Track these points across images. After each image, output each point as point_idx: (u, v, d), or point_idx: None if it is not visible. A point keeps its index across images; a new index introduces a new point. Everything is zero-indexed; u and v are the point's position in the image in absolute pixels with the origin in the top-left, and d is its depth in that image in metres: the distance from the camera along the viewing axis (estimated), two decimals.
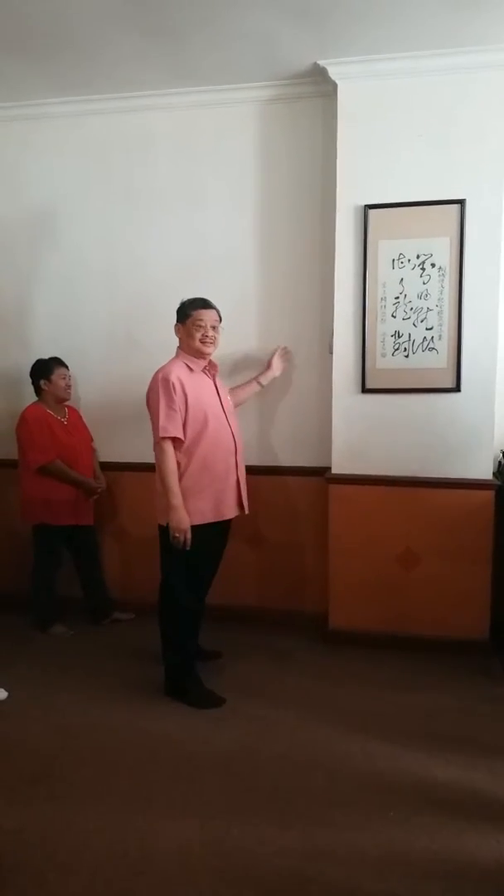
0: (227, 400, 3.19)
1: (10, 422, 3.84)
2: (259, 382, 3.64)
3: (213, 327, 3.05)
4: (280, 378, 3.75)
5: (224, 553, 3.26)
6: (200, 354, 3.05)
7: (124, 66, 3.38)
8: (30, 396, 3.85)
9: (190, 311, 3.03)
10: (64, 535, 3.85)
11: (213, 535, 3.07)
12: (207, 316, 3.03)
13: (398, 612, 3.59)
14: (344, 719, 2.94)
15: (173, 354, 3.11)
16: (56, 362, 3.81)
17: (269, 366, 3.67)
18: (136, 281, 3.89)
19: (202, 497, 3.00)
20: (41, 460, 3.67)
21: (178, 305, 3.09)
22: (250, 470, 3.37)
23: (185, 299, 3.09)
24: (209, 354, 3.09)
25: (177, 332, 3.09)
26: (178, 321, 3.07)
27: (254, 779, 2.55)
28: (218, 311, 3.09)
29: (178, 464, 2.95)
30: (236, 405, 3.41)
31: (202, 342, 3.02)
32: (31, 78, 3.52)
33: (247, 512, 3.21)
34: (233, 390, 3.47)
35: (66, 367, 3.83)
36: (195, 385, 3.01)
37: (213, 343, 3.06)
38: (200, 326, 3.01)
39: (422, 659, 3.45)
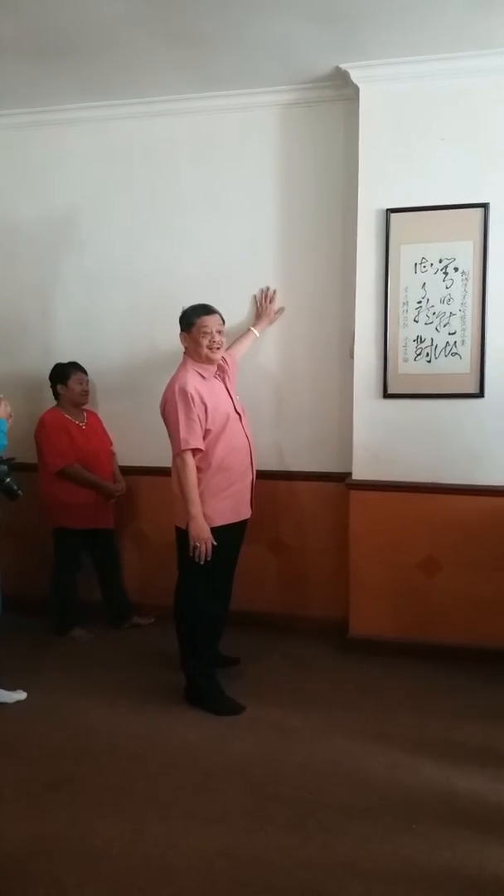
0: (238, 399, 3.18)
1: (30, 426, 3.84)
2: (254, 331, 3.64)
3: (219, 332, 3.04)
4: (300, 382, 3.75)
5: (239, 556, 3.23)
6: (209, 361, 3.05)
7: (147, 71, 3.38)
8: (51, 400, 3.86)
9: (193, 319, 3.02)
10: (83, 539, 3.86)
11: (232, 536, 3.07)
12: (212, 322, 3.02)
13: (420, 620, 3.55)
14: (365, 728, 2.91)
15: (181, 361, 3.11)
16: (74, 367, 3.81)
17: (259, 314, 3.67)
18: (158, 285, 3.88)
19: (222, 498, 3.01)
20: (59, 464, 3.68)
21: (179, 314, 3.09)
22: (270, 475, 3.34)
23: (186, 307, 3.09)
24: (217, 360, 3.09)
25: (183, 340, 3.09)
26: (182, 330, 3.07)
27: (274, 787, 2.53)
28: (221, 315, 3.08)
29: (199, 469, 2.94)
30: (239, 358, 3.46)
31: (210, 349, 3.01)
32: (56, 83, 3.52)
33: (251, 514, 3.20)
34: (231, 348, 3.40)
35: (85, 371, 3.84)
36: (210, 392, 3.00)
37: (221, 347, 3.06)
38: (206, 333, 3.00)
39: (444, 668, 3.40)
